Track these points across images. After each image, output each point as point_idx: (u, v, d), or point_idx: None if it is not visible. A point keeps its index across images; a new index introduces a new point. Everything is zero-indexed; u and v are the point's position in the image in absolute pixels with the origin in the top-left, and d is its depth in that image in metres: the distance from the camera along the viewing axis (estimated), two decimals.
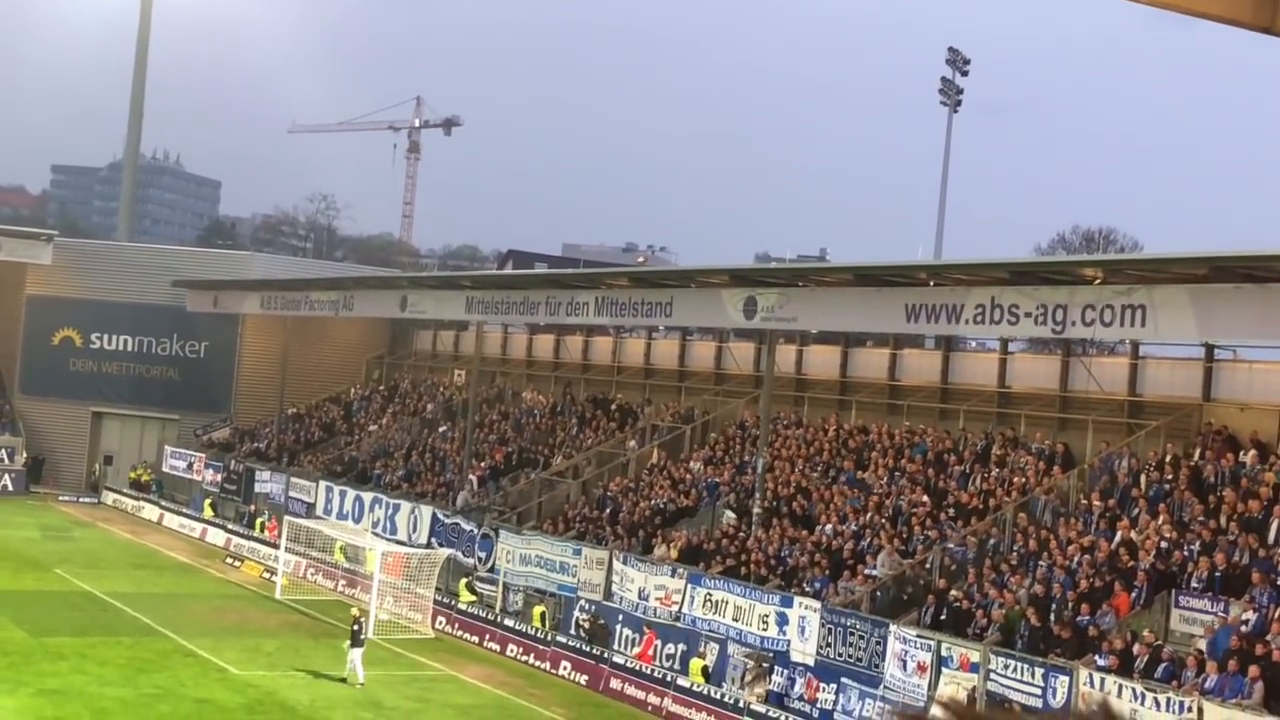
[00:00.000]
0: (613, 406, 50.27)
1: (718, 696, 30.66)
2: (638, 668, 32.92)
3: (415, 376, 63.75)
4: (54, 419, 64.60)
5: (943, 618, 29.17)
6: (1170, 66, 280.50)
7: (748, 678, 30.82)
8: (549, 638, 35.86)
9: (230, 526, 52.67)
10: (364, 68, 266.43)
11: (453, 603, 39.64)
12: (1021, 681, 25.85)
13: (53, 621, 36.20)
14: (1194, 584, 26.66)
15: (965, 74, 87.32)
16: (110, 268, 65.58)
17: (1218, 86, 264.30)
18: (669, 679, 31.83)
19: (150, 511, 58.37)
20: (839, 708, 29.35)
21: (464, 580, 41.19)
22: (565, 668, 34.66)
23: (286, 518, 47.00)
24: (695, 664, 32.64)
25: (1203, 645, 24.55)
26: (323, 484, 51.75)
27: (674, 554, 36.49)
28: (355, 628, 32.92)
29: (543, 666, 35.28)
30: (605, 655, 33.88)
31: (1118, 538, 28.92)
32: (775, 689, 30.95)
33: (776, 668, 31.17)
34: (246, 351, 65.84)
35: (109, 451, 65.55)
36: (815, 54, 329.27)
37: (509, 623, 37.44)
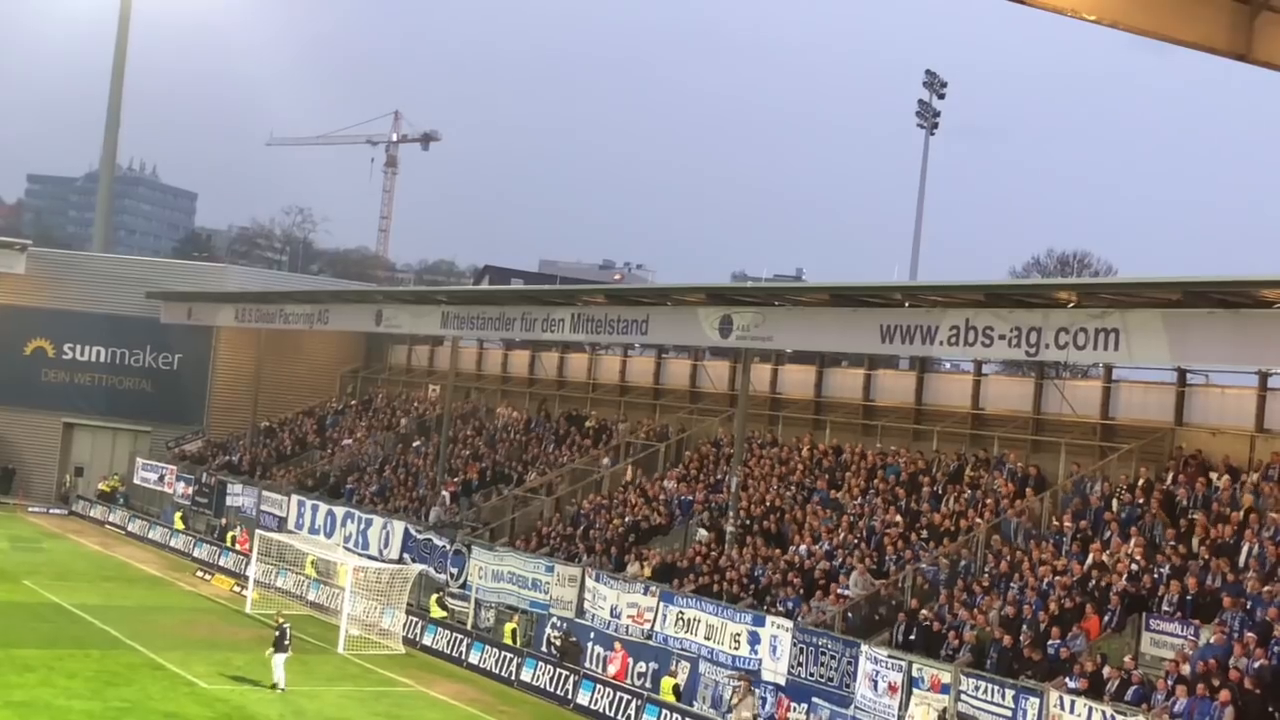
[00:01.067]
0: (587, 423, 50.25)
1: None
2: (602, 710, 32.58)
3: (390, 391, 63.65)
4: (25, 429, 64.26)
5: (912, 637, 29.18)
6: (1146, 92, 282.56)
7: (734, 700, 30.65)
8: (513, 677, 35.48)
9: (196, 554, 52.13)
10: (343, 81, 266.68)
11: (417, 638, 39.22)
12: (992, 703, 25.86)
13: (20, 633, 35.94)
14: (1165, 607, 26.74)
15: (942, 97, 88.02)
16: (84, 278, 65.36)
17: (1193, 112, 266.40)
18: None
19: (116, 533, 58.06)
20: None
21: (435, 596, 41.05)
22: (538, 681, 34.53)
23: (258, 531, 46.80)
24: (666, 682, 32.56)
25: (1185, 669, 24.53)
26: (295, 498, 51.56)
27: (647, 572, 36.45)
28: (278, 633, 32.86)
29: (511, 690, 35.15)
30: (570, 698, 33.55)
31: (1089, 560, 29.00)
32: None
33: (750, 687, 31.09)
34: (220, 364, 65.64)
35: (80, 463, 65.26)
36: (793, 76, 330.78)
37: (474, 660, 36.99)
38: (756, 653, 31.14)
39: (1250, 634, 24.47)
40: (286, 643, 32.74)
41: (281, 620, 33.80)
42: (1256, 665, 23.66)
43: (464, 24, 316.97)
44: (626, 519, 40.63)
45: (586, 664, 34.92)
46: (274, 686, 32.30)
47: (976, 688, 26.26)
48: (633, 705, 31.61)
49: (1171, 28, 13.94)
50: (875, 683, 28.13)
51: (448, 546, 42.33)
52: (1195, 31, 13.93)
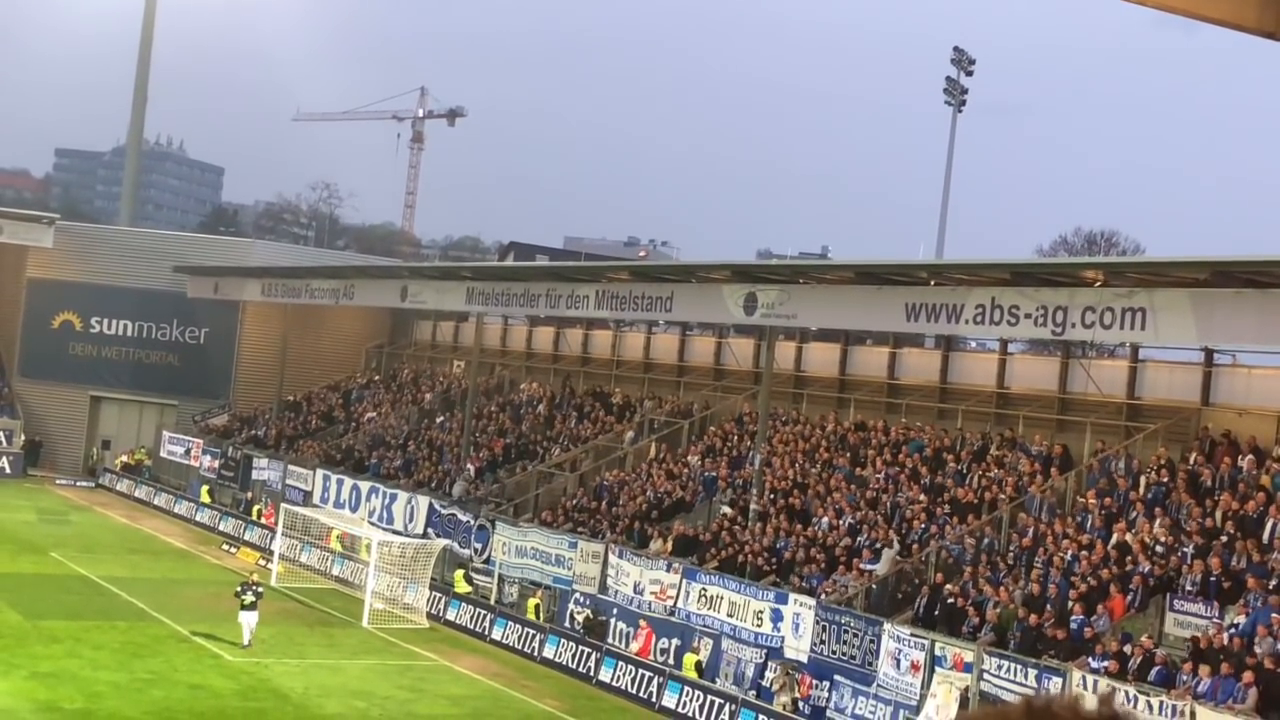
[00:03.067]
0: (611, 400, 50.27)
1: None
2: (624, 687, 32.52)
3: (415, 366, 63.76)
4: (52, 402, 64.58)
5: (936, 613, 29.22)
6: (1174, 70, 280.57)
7: (774, 686, 30.73)
8: (536, 653, 35.39)
9: (221, 528, 52.30)
10: (369, 57, 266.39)
11: (441, 613, 39.31)
12: (1014, 682, 25.86)
13: (48, 605, 36.22)
14: (1189, 588, 26.68)
15: (970, 74, 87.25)
16: (112, 252, 65.54)
17: (1222, 90, 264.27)
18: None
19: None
20: (832, 705, 29.37)
21: (460, 571, 41.21)
22: (561, 658, 34.58)
23: (283, 505, 47.01)
24: (689, 659, 32.64)
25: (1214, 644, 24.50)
26: (320, 472, 51.76)
27: (669, 547, 36.50)
28: (254, 591, 33.82)
29: (534, 665, 35.23)
30: (593, 674, 33.41)
31: (1114, 540, 28.93)
32: (767, 686, 30.92)
33: (770, 663, 31.15)
34: (246, 338, 65.85)
35: (107, 436, 65.56)
36: (821, 54, 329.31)
37: (497, 635, 36.90)
38: (779, 630, 31.18)
39: (1276, 615, 24.40)
40: (250, 600, 33.63)
41: (253, 580, 34.90)
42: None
43: (491, 2, 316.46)
44: (649, 494, 40.68)
45: (610, 641, 35.01)
46: (245, 645, 33.31)
47: (999, 666, 26.26)
48: (655, 682, 31.68)
49: (1200, 5, 13.82)
50: (898, 661, 28.15)
51: (472, 522, 42.45)
52: (1224, 9, 13.82)
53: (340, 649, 34.84)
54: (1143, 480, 30.94)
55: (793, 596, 31.32)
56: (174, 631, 34.61)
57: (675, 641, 33.68)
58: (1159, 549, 27.96)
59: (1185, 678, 24.10)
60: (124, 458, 63.09)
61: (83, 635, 33.04)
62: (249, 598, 33.55)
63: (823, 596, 31.22)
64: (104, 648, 32.08)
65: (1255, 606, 25.00)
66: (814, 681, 29.95)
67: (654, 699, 31.38)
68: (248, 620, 33.48)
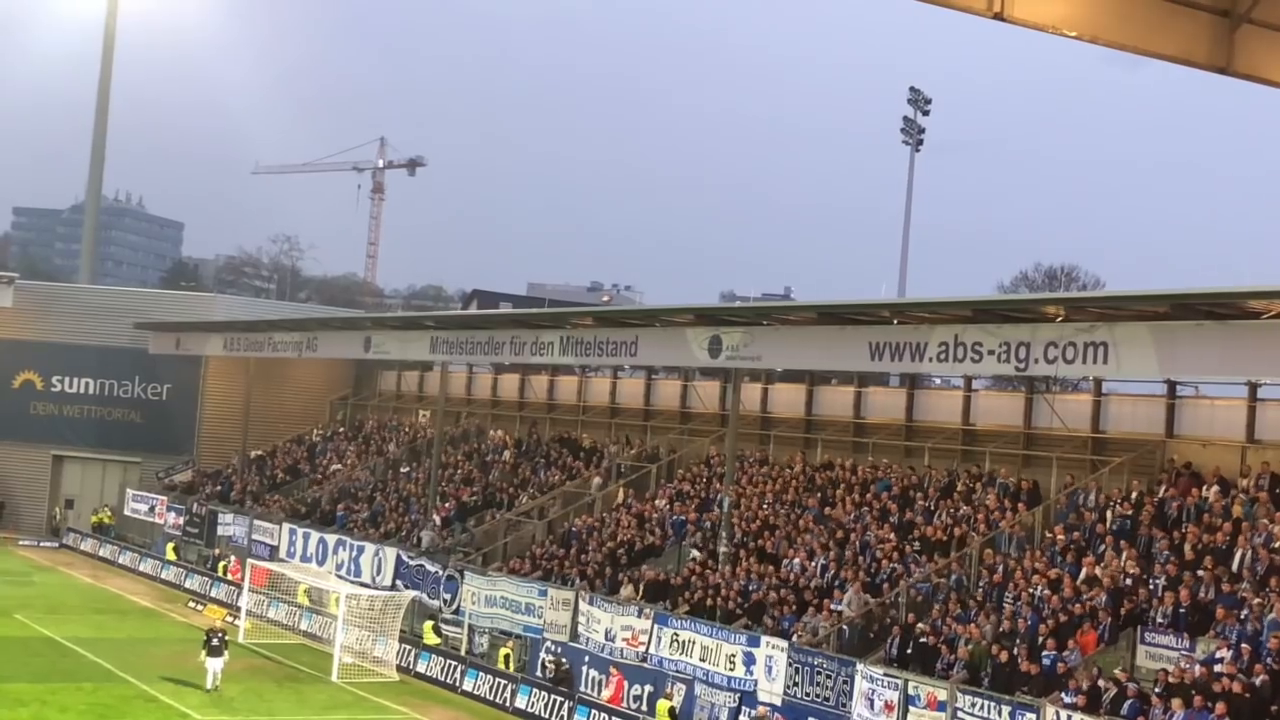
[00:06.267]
0: (578, 446, 50.16)
1: None
2: None
3: (380, 417, 63.50)
4: (14, 462, 64.06)
5: (908, 652, 29.16)
6: (1126, 104, 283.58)
7: None
8: (507, 703, 34.97)
9: (188, 585, 51.83)
10: (328, 109, 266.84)
11: (411, 665, 39.03)
12: (989, 719, 25.79)
13: (12, 668, 35.74)
14: (1159, 620, 26.72)
15: (926, 113, 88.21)
16: (72, 310, 65.25)
17: (1175, 123, 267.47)
18: None
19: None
20: None
21: (429, 622, 40.93)
22: (533, 708, 34.30)
23: (249, 560, 46.62)
24: (662, 705, 32.42)
25: (1184, 679, 24.48)
26: (286, 526, 51.40)
27: (639, 592, 36.35)
28: (220, 639, 34.62)
29: (505, 715, 34.95)
30: None
31: (1083, 574, 28.97)
32: None
33: (744, 708, 31.01)
34: (209, 393, 65.43)
35: (70, 495, 65.02)
36: (779, 95, 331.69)
37: (468, 686, 36.44)
38: (752, 673, 31.05)
39: (1245, 645, 24.44)
40: (215, 644, 34.38)
41: (219, 627, 35.67)
42: (1257, 681, 23.61)
43: (447, 49, 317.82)
44: (619, 540, 40.53)
45: (582, 688, 34.78)
46: (210, 689, 34.01)
47: (973, 704, 26.19)
48: None
49: (1152, 42, 13.99)
50: (871, 702, 28.06)
51: (440, 572, 42.20)
52: (1176, 45, 13.99)
53: (310, 704, 34.48)
54: (1109, 513, 31.01)
55: (765, 639, 31.21)
56: (141, 691, 34.20)
57: (648, 688, 33.49)
58: (1128, 582, 28.02)
59: (1157, 711, 24.08)
60: (94, 517, 62.46)
61: (49, 698, 32.61)
62: (214, 643, 34.27)
63: (795, 638, 31.13)
64: (70, 710, 31.67)
65: (1227, 637, 25.03)
66: None
67: None
68: (213, 665, 34.14)
